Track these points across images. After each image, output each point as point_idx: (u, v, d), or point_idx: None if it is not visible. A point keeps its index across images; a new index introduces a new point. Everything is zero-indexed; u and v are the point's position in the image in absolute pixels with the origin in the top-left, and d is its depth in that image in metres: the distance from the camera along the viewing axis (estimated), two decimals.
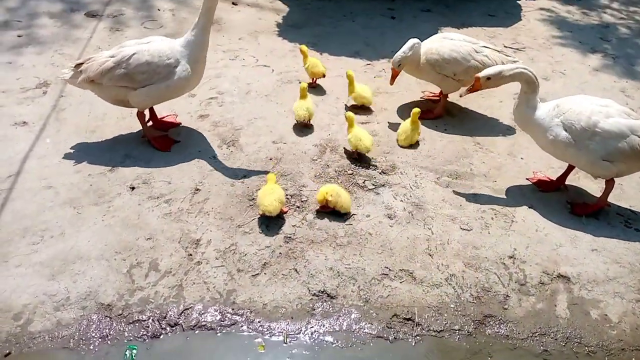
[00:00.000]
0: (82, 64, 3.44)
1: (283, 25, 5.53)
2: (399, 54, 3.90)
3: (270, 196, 3.06)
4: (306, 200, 3.31)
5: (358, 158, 3.69)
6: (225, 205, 3.26)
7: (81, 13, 5.47)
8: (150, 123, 3.84)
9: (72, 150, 3.60)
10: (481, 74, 3.23)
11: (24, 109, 3.97)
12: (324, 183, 3.46)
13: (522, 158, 3.83)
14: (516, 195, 3.47)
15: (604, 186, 3.31)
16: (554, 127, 3.17)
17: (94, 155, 3.57)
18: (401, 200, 3.38)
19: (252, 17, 5.66)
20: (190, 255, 2.94)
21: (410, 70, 4.08)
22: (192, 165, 3.56)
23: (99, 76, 3.39)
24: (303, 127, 3.98)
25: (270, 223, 3.14)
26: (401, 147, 3.83)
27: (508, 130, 4.11)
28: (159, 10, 5.66)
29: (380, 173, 3.60)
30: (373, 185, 3.49)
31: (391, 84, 4.04)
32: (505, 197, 3.46)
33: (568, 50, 5.40)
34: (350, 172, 3.59)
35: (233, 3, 5.93)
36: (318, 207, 3.23)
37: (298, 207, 3.28)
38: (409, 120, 3.82)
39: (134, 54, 3.39)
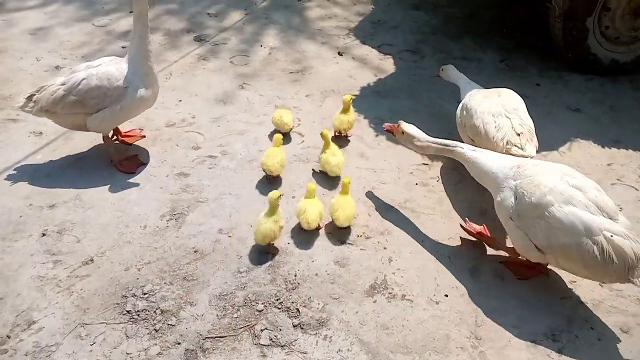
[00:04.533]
0: (33, 95, 3.36)
1: (367, 89, 4.68)
2: None
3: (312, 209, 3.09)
4: (173, 327, 2.58)
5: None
6: (96, 291, 2.76)
7: (192, 35, 5.58)
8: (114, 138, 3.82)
9: (51, 171, 3.57)
10: (403, 124, 3.19)
11: (46, 120, 4.01)
12: (221, 310, 2.68)
13: None
14: None
15: None
16: (505, 189, 2.74)
17: (60, 182, 3.46)
18: None
19: (344, 73, 4.95)
20: (8, 337, 2.53)
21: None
22: (116, 228, 3.15)
23: (52, 105, 3.32)
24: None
25: (108, 338, 2.52)
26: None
27: (545, 340, 2.58)
28: (260, 46, 5.40)
29: (295, 325, 2.61)
30: (270, 340, 2.54)
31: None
32: None
33: None
34: (261, 307, 2.69)
35: (339, 53, 5.31)
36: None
37: (156, 330, 2.57)
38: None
39: (83, 80, 3.28)
